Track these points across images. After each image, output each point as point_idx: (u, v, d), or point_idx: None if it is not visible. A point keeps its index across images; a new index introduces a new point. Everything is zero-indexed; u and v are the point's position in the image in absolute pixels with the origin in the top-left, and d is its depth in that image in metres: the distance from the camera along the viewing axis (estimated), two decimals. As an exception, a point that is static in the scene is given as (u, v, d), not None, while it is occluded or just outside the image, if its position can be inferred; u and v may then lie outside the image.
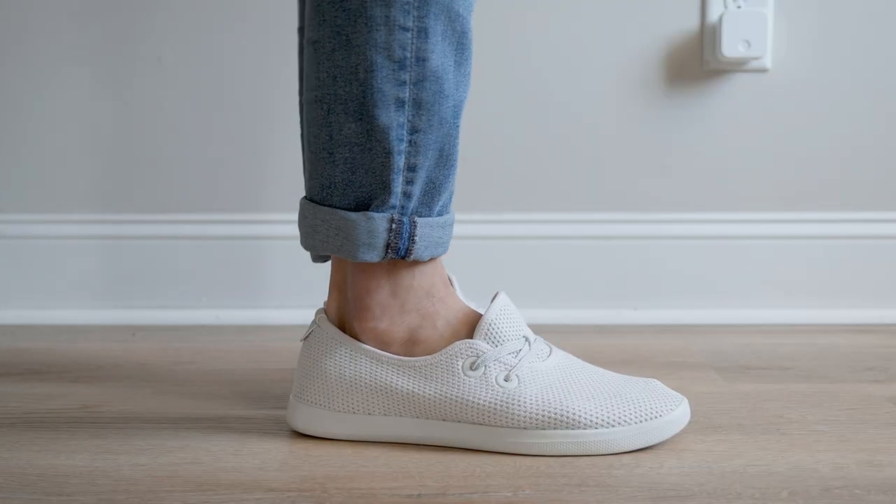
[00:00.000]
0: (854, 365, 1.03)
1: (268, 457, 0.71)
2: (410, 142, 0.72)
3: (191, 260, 1.37)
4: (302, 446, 0.74)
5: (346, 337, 0.76)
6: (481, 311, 0.77)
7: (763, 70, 1.33)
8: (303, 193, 1.36)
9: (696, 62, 1.33)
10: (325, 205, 0.75)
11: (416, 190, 0.74)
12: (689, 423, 0.79)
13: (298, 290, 1.36)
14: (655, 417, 0.72)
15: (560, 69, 1.35)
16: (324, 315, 0.79)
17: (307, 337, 0.78)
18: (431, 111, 0.72)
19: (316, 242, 0.76)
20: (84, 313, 1.36)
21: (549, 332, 1.25)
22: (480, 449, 0.72)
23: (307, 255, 1.38)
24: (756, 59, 1.30)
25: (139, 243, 1.37)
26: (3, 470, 0.69)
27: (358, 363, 0.75)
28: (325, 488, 0.64)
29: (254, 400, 0.89)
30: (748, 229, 1.34)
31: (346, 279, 0.77)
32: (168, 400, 0.89)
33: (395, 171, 0.72)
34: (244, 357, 1.10)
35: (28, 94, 1.37)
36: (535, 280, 1.34)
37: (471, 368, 0.73)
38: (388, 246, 0.73)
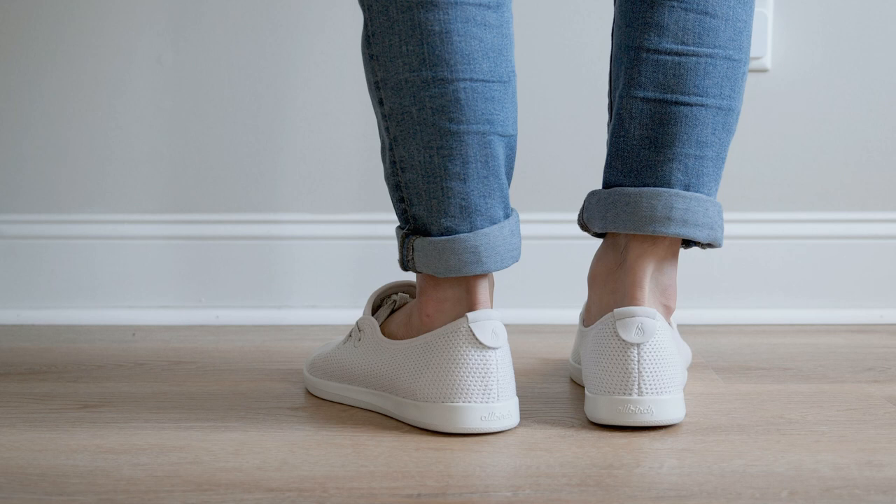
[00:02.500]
0: (854, 365, 1.03)
1: (268, 457, 0.71)
2: None
3: (191, 260, 1.37)
4: (302, 446, 0.74)
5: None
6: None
7: (763, 70, 1.33)
8: (303, 192, 1.36)
9: (696, 62, 1.33)
10: None
11: None
12: (689, 423, 0.79)
13: (299, 290, 1.36)
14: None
15: (561, 69, 1.35)
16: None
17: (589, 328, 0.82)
18: None
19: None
20: (84, 313, 1.36)
21: (549, 332, 1.25)
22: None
23: (307, 255, 1.38)
24: (756, 59, 1.31)
25: (139, 243, 1.37)
26: (3, 470, 0.69)
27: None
28: (325, 488, 0.64)
29: (254, 400, 0.89)
30: (748, 229, 1.34)
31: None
32: (168, 400, 0.89)
33: None
34: (244, 357, 1.10)
35: (27, 95, 1.37)
36: (535, 280, 1.34)
37: None
38: None
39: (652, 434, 0.76)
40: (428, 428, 0.77)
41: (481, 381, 0.76)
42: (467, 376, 0.76)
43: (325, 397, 0.89)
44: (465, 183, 0.78)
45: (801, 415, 0.82)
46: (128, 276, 1.37)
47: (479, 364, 0.76)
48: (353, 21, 1.32)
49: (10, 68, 1.37)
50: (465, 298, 0.80)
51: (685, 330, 1.16)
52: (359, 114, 1.33)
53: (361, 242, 1.36)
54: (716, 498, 0.62)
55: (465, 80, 0.77)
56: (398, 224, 0.84)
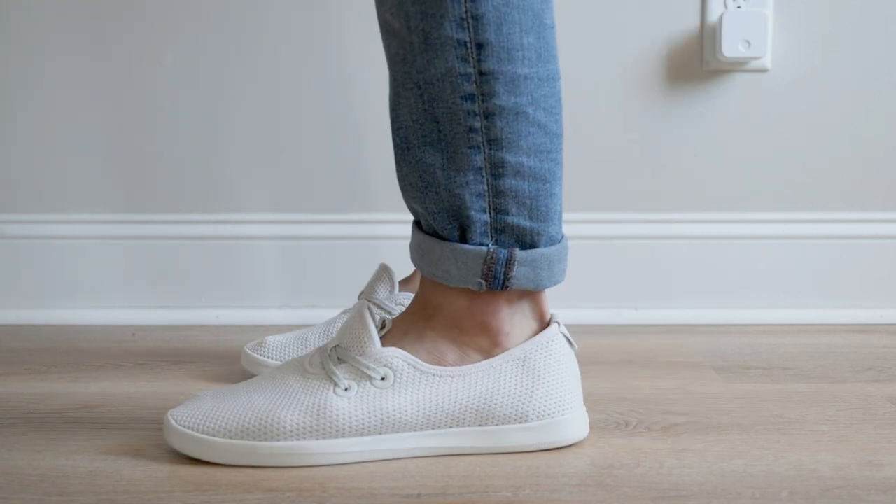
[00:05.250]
0: (854, 365, 1.03)
1: (268, 457, 0.71)
2: None
3: (191, 260, 1.37)
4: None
5: None
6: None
7: (763, 70, 1.33)
8: (305, 192, 1.36)
9: (697, 62, 1.33)
10: None
11: None
12: (689, 423, 0.79)
13: (298, 290, 1.36)
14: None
15: (560, 69, 1.34)
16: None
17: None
18: None
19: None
20: (84, 313, 1.36)
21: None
22: None
23: (306, 255, 1.38)
24: (756, 59, 1.31)
25: (139, 243, 1.37)
26: (3, 470, 0.69)
27: None
28: (325, 488, 0.64)
29: (254, 400, 0.88)
30: (748, 229, 1.34)
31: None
32: (168, 400, 0.89)
33: None
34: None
35: (28, 95, 1.37)
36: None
37: None
38: None
39: (652, 434, 0.76)
40: (541, 448, 0.72)
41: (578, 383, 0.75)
42: (576, 380, 0.75)
43: (341, 461, 0.70)
44: (560, 188, 0.74)
45: (801, 415, 0.82)
46: (128, 276, 1.37)
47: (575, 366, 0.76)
48: (354, 22, 1.33)
49: (12, 68, 1.37)
50: (532, 308, 0.75)
51: (686, 329, 1.16)
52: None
53: (362, 242, 1.36)
54: (716, 498, 0.62)
55: (560, 78, 0.74)
56: (462, 238, 0.72)
